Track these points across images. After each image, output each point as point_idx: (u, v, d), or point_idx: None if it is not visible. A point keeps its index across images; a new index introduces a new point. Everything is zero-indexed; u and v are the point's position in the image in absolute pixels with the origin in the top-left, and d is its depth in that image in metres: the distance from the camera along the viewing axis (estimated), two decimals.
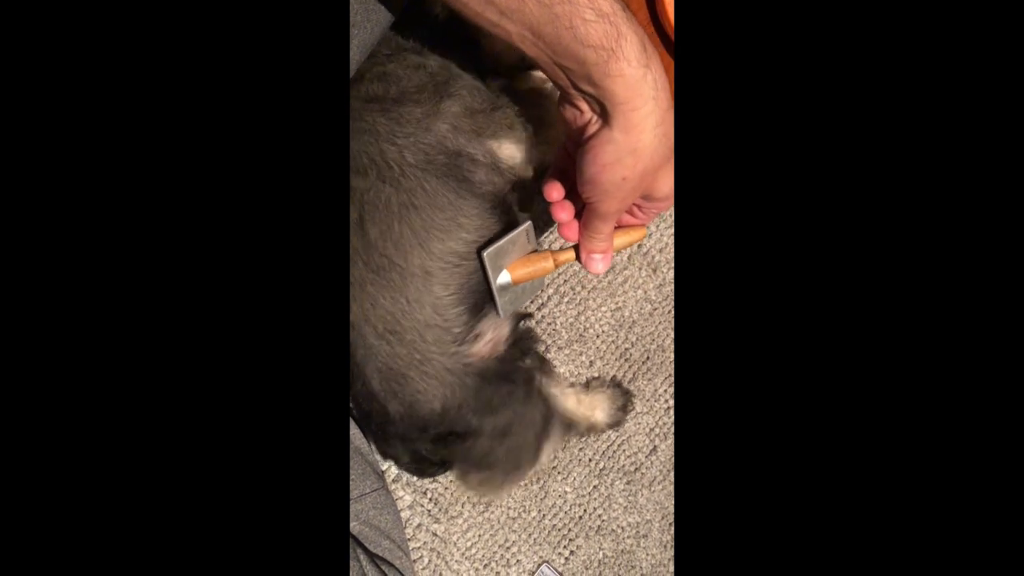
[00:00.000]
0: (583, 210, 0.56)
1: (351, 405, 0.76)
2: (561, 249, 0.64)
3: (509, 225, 0.67)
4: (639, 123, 0.44)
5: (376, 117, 0.62)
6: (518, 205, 0.71)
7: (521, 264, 0.65)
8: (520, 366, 0.74)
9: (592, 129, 0.47)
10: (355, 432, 0.74)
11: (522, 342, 0.77)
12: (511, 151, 0.70)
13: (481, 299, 0.68)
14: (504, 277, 0.64)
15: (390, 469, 0.85)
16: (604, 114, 0.45)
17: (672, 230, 1.00)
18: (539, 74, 0.82)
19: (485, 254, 0.63)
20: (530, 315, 0.88)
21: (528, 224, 0.66)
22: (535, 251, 0.67)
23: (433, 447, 0.73)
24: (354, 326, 0.64)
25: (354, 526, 0.72)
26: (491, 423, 0.70)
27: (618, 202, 0.50)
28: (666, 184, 0.50)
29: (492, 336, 0.72)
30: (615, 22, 0.41)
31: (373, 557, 0.73)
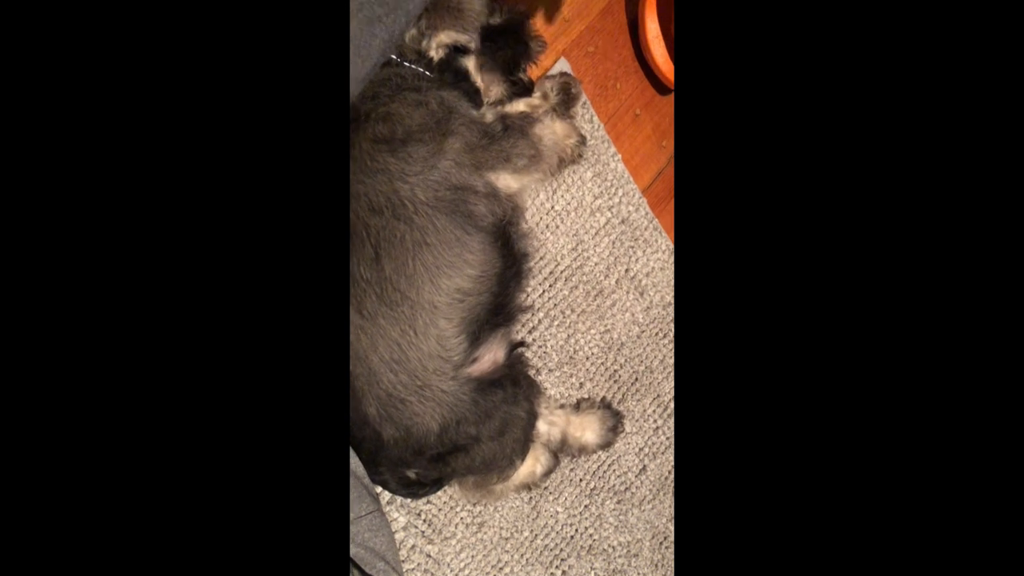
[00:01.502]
0: None
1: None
2: None
3: (511, 254, 0.71)
4: None
5: (387, 158, 0.65)
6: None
7: None
8: (507, 373, 0.77)
9: None
10: (352, 456, 0.76)
11: (514, 366, 0.80)
12: (507, 181, 0.74)
13: (480, 329, 0.71)
14: None
15: (383, 493, 0.86)
16: None
17: (657, 255, 1.03)
18: (528, 100, 0.86)
19: None
20: (523, 343, 0.90)
21: None
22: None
23: (431, 466, 0.75)
24: (360, 356, 0.67)
25: (351, 549, 0.73)
26: (487, 428, 0.74)
27: None
28: None
29: (489, 358, 0.75)
30: None
31: None
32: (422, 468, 0.76)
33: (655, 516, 1.03)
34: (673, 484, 1.04)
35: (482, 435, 0.73)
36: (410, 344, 0.67)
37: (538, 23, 0.86)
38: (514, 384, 0.76)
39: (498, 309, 0.74)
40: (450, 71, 0.73)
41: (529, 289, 0.94)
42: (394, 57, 0.71)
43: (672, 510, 1.04)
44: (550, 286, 0.97)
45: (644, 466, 1.02)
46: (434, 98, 0.69)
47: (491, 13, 0.75)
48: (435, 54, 0.71)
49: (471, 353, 0.72)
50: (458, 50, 0.73)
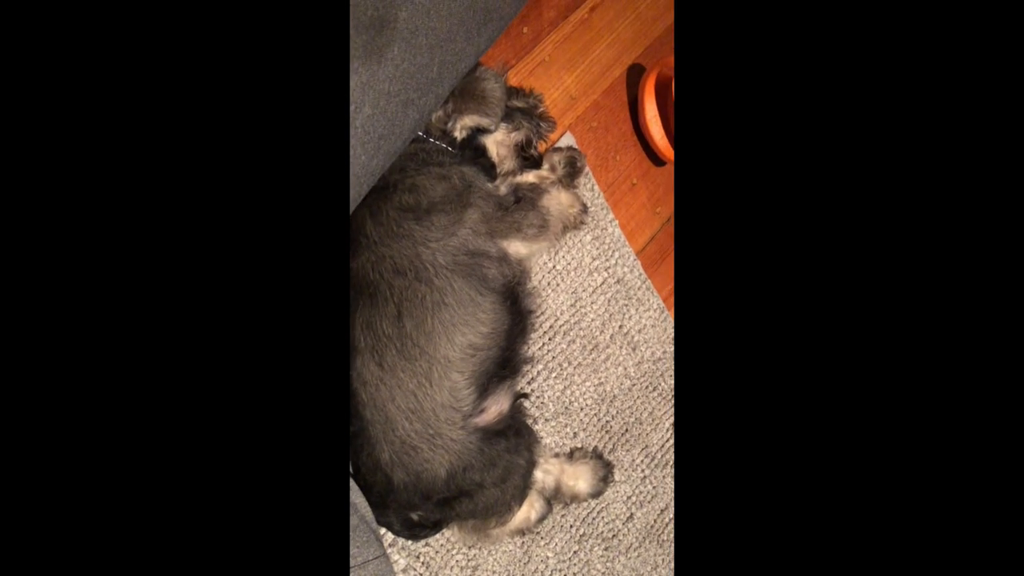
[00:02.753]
0: None
1: (355, 476, 0.82)
2: None
3: (517, 312, 0.78)
4: None
5: (411, 224, 0.72)
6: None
7: None
8: (510, 423, 0.83)
9: None
10: (362, 501, 0.80)
11: (515, 417, 0.86)
12: (517, 248, 0.81)
13: (488, 381, 0.77)
14: None
15: (386, 535, 0.90)
16: None
17: (649, 313, 1.11)
18: (537, 172, 0.94)
19: None
20: (526, 395, 0.96)
21: None
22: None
23: (436, 509, 0.80)
24: (379, 405, 0.72)
25: None
26: (491, 475, 0.79)
27: None
28: None
29: (495, 410, 0.81)
30: None
31: None
32: (427, 511, 0.81)
33: (640, 564, 1.07)
34: (660, 532, 1.09)
35: (486, 481, 0.79)
36: (425, 395, 0.73)
37: (548, 102, 0.94)
38: (517, 434, 0.82)
39: (505, 362, 0.81)
40: (470, 148, 0.81)
41: (530, 342, 1.00)
42: (421, 134, 0.79)
43: (657, 558, 1.09)
44: (549, 339, 1.03)
45: (631, 514, 1.07)
46: (456, 173, 0.77)
47: (510, 97, 0.83)
48: (459, 134, 0.79)
49: (479, 404, 0.78)
50: (478, 130, 0.81)
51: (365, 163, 0.71)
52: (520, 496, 0.87)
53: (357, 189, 0.72)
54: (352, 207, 0.74)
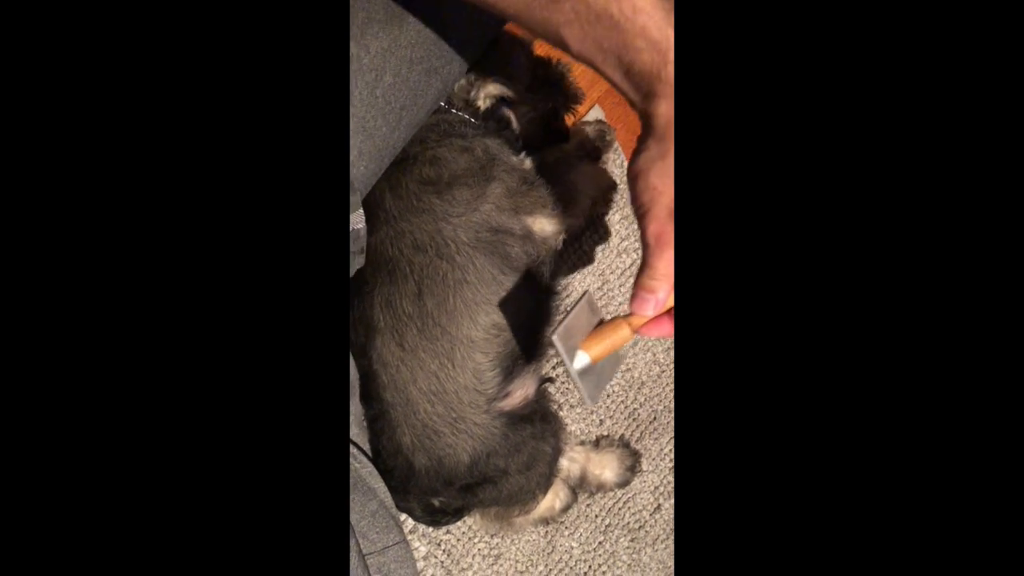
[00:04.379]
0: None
1: (375, 460, 0.79)
2: (632, 314, 0.50)
3: (542, 293, 0.74)
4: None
5: (432, 199, 0.68)
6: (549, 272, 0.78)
7: (595, 339, 0.56)
8: (535, 409, 0.80)
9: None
10: (381, 486, 0.78)
11: (540, 402, 0.83)
12: (543, 225, 0.77)
13: (513, 364, 0.73)
14: (581, 359, 0.57)
15: (406, 521, 0.87)
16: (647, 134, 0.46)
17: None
18: (564, 147, 0.89)
19: (555, 337, 0.61)
20: (552, 379, 0.93)
21: (587, 294, 0.70)
22: (602, 321, 0.65)
23: (458, 495, 0.77)
24: (400, 387, 0.69)
25: None
26: (516, 461, 0.76)
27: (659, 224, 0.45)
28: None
29: (521, 394, 0.78)
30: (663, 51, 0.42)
31: None
32: (449, 497, 0.78)
33: (667, 556, 1.04)
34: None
35: (510, 468, 0.76)
36: (448, 376, 0.70)
37: (575, 73, 0.90)
38: (543, 420, 0.79)
39: (530, 345, 0.77)
40: (494, 119, 0.77)
41: (555, 324, 0.96)
42: (443, 104, 0.75)
43: None
44: None
45: (659, 505, 1.04)
46: (479, 145, 0.73)
47: (536, 67, 0.79)
48: (482, 104, 0.75)
49: (504, 387, 0.75)
50: (502, 100, 0.77)
51: (386, 135, 0.68)
52: (545, 484, 0.84)
53: (378, 162, 0.69)
54: (373, 181, 0.71)
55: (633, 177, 0.45)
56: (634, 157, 0.46)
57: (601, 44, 0.44)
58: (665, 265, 0.44)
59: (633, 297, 0.46)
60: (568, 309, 0.68)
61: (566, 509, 0.93)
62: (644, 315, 0.47)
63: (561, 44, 0.47)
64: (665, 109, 0.43)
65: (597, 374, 0.66)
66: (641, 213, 0.45)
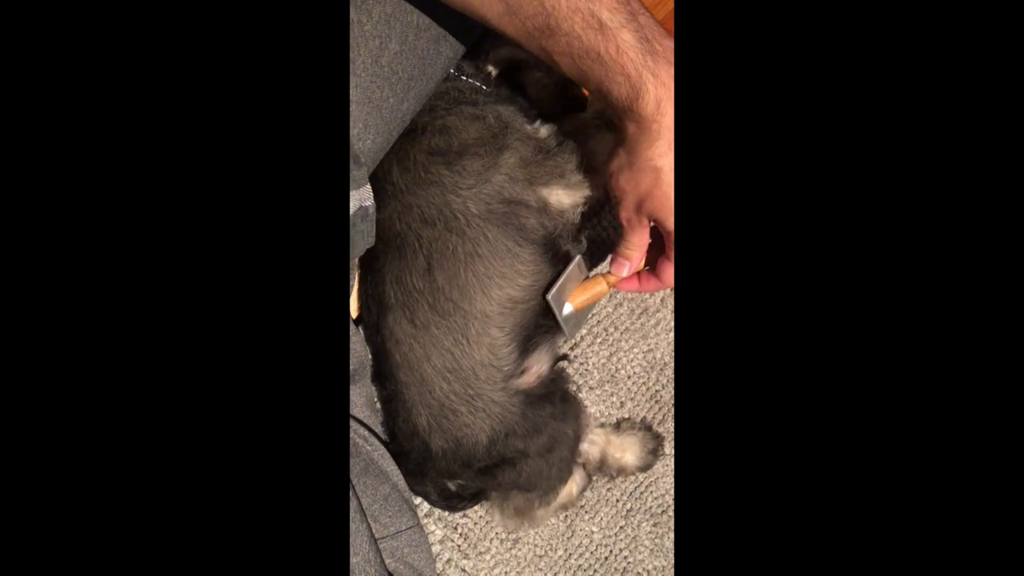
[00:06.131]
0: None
1: (390, 442, 0.77)
2: (610, 273, 0.70)
3: (561, 264, 0.71)
4: (643, 152, 0.55)
5: (441, 170, 0.65)
6: (570, 241, 0.76)
7: (580, 292, 0.73)
8: (552, 388, 0.77)
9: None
10: (393, 469, 0.76)
11: (557, 381, 0.79)
12: (559, 196, 0.73)
13: (529, 337, 0.71)
14: (567, 309, 0.73)
15: (422, 504, 0.86)
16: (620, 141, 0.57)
17: None
18: (580, 115, 0.85)
19: (549, 297, 0.70)
20: (566, 356, 0.89)
21: (579, 258, 0.73)
22: (587, 278, 0.75)
23: (477, 477, 0.75)
24: (413, 365, 0.67)
25: (390, 563, 0.73)
26: (536, 443, 0.73)
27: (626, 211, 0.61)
28: (670, 218, 0.57)
29: (535, 371, 0.75)
30: (639, 79, 0.51)
31: None
32: (467, 480, 0.76)
33: None
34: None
35: (530, 450, 0.73)
36: (463, 352, 0.67)
37: None
38: (563, 400, 0.76)
39: (545, 317, 0.74)
40: (506, 86, 0.73)
41: None
42: (452, 71, 0.71)
43: None
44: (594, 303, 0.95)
45: None
46: (491, 112, 0.69)
47: None
48: (493, 69, 0.71)
49: (520, 363, 0.72)
50: (515, 66, 0.73)
51: (394, 106, 0.65)
52: (567, 471, 0.81)
53: (386, 135, 0.66)
54: (382, 155, 0.68)
55: (609, 176, 0.60)
56: (610, 159, 0.59)
57: (587, 74, 0.53)
58: (637, 239, 0.63)
59: (612, 261, 0.67)
60: (561, 271, 0.72)
61: (582, 492, 0.91)
62: (619, 275, 0.67)
63: (554, 67, 0.56)
64: (633, 130, 0.54)
65: (576, 318, 0.76)
66: (615, 203, 0.61)
